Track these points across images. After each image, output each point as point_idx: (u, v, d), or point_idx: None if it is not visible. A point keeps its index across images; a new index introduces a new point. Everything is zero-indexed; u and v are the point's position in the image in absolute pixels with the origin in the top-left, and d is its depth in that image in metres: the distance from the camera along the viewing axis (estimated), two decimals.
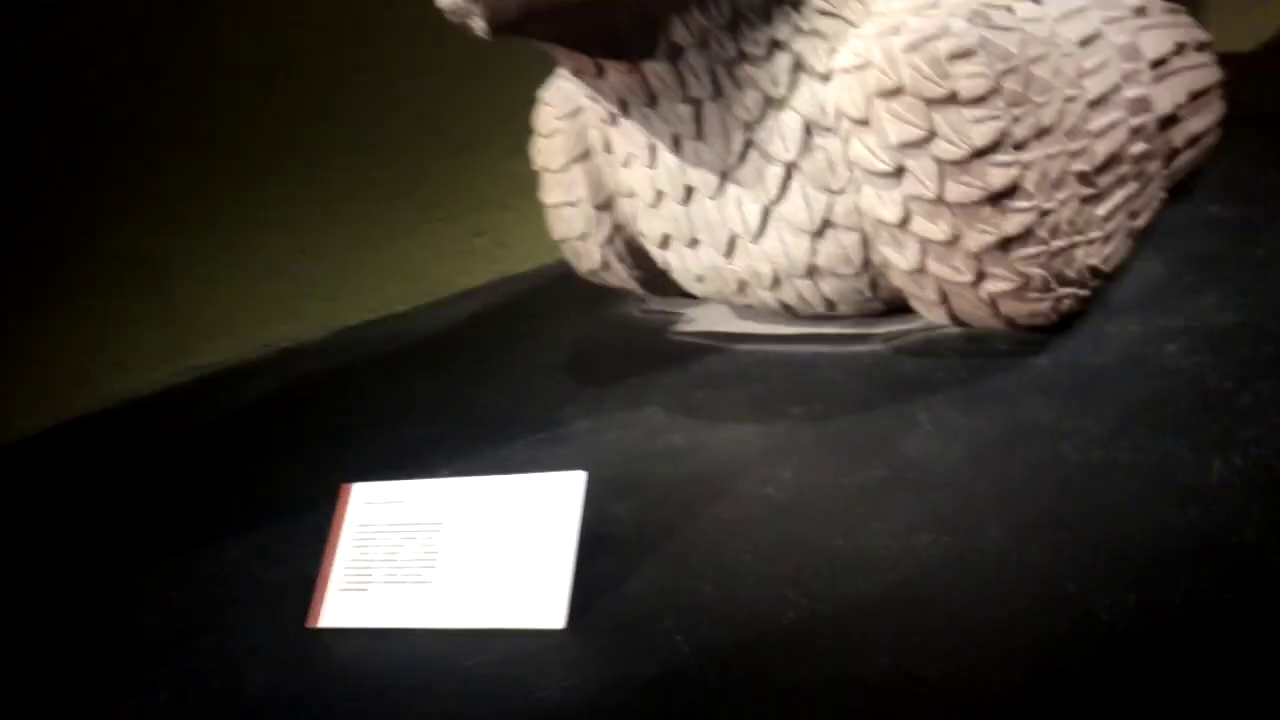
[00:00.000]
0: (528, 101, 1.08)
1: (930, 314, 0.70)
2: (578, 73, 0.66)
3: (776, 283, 0.73)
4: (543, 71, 0.88)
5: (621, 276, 0.88)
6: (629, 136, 0.72)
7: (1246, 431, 0.51)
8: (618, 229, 0.83)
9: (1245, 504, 0.46)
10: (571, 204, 0.84)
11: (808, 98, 0.65)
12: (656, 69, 0.62)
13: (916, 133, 0.60)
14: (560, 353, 0.90)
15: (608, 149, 0.77)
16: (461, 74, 1.20)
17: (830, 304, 0.74)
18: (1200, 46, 0.90)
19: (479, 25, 0.53)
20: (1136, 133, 0.72)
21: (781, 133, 0.66)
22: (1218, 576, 0.42)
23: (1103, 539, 0.46)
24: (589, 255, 0.87)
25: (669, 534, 0.56)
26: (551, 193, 0.86)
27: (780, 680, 0.42)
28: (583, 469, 0.53)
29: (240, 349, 1.09)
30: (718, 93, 0.64)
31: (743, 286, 0.75)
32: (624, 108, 0.67)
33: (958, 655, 0.40)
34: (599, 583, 0.51)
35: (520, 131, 1.21)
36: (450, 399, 0.85)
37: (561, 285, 1.14)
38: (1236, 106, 0.96)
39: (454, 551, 0.53)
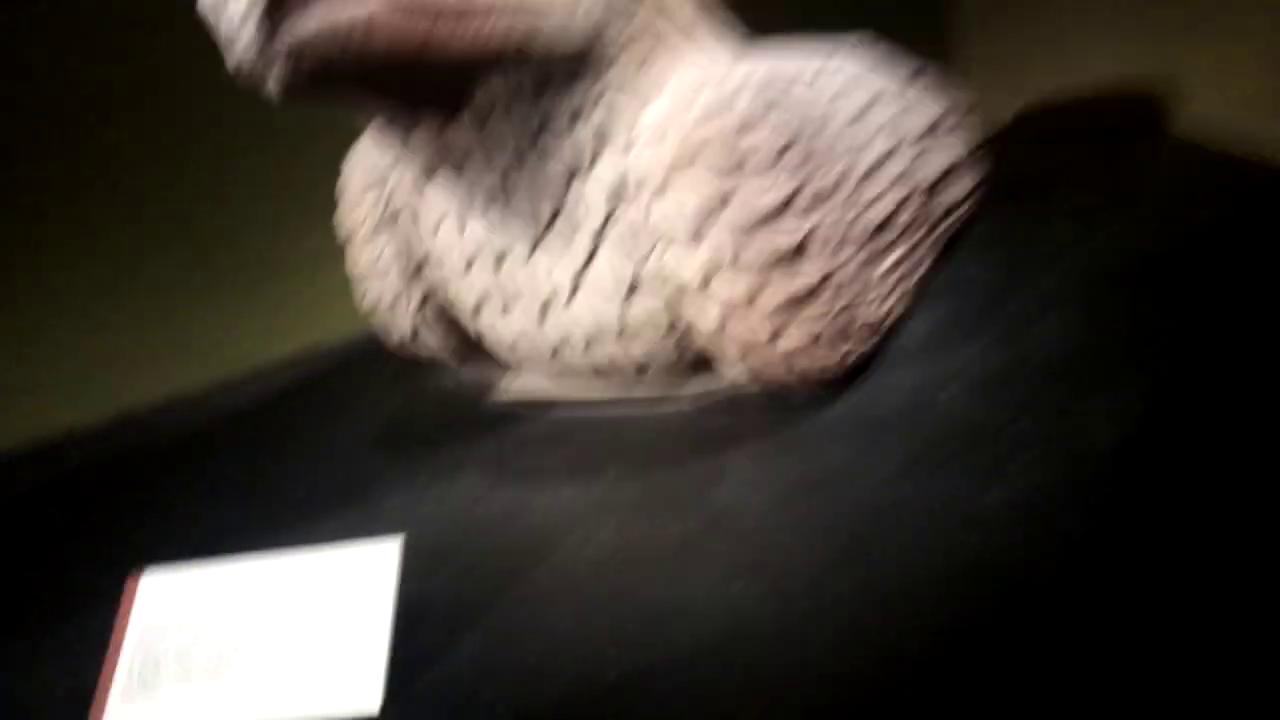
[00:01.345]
0: (331, 169, 1.06)
1: (734, 372, 0.73)
2: (382, 135, 0.65)
3: (588, 347, 0.74)
4: (347, 138, 0.87)
5: (433, 346, 0.86)
6: (437, 202, 0.71)
7: (1012, 463, 0.57)
8: (428, 298, 0.82)
9: (1014, 528, 0.51)
10: (380, 274, 0.82)
11: (610, 167, 0.67)
12: (462, 136, 0.63)
13: (711, 199, 0.64)
14: (370, 426, 0.87)
15: (415, 218, 0.76)
16: (263, 141, 1.16)
17: (640, 366, 0.76)
18: (959, 123, 1.00)
19: (273, 86, 0.52)
20: (906, 199, 0.79)
21: (586, 201, 0.68)
22: (996, 594, 0.46)
23: (896, 570, 0.49)
24: (399, 325, 0.85)
25: (489, 602, 0.55)
26: (359, 263, 0.84)
27: None
28: (397, 541, 0.51)
29: (12, 437, 0.99)
30: (522, 162, 0.65)
31: (555, 352, 0.76)
32: (431, 173, 0.67)
33: (772, 694, 0.42)
34: (417, 659, 0.50)
35: (323, 200, 1.18)
36: (251, 479, 0.80)
37: (370, 357, 1.11)
38: (994, 176, 1.08)
39: (258, 639, 0.49)
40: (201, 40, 1.02)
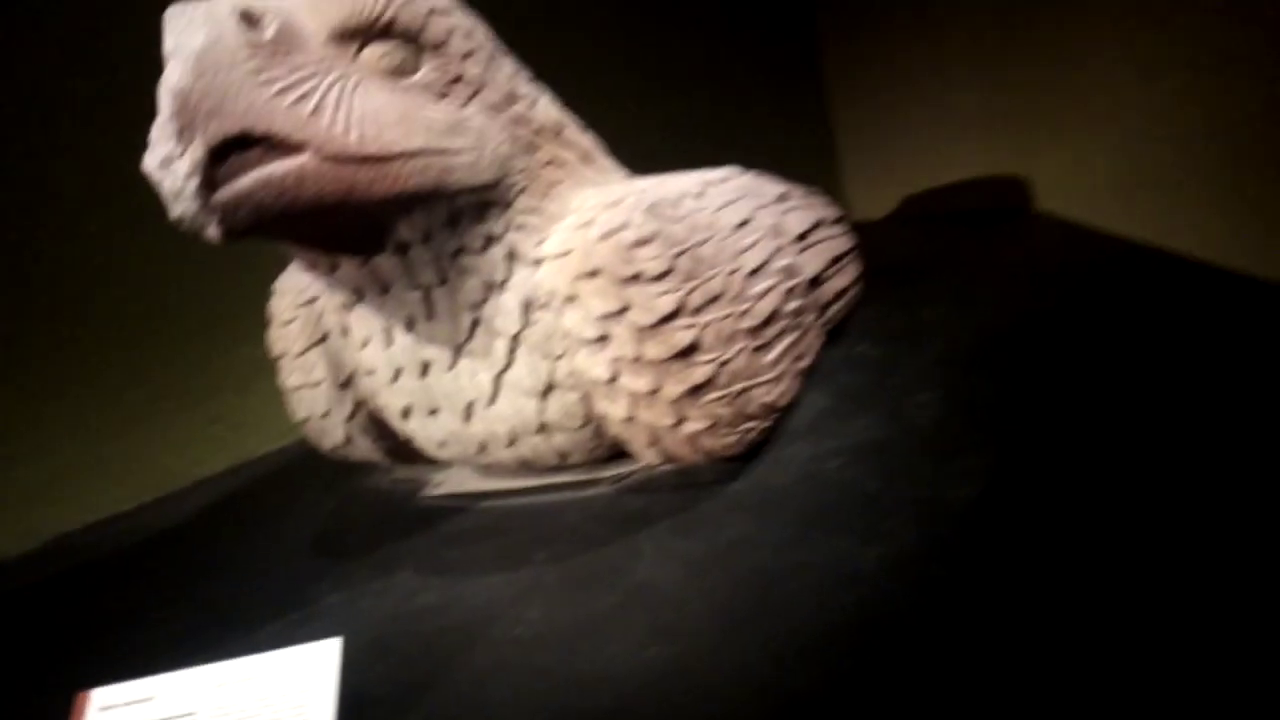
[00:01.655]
0: (260, 287, 1.11)
1: (646, 456, 0.80)
2: (312, 268, 0.71)
3: (512, 441, 0.80)
4: (273, 259, 0.93)
5: (366, 450, 0.91)
6: (365, 320, 0.78)
7: (887, 524, 0.65)
8: (359, 405, 0.87)
9: (890, 580, 0.58)
10: (312, 385, 0.87)
11: (523, 280, 0.75)
12: (387, 263, 0.70)
13: (614, 305, 0.72)
14: (306, 531, 0.91)
15: (345, 332, 0.82)
16: (194, 262, 1.21)
17: (562, 456, 0.82)
18: (835, 221, 1.12)
19: (213, 233, 0.58)
20: (790, 293, 0.88)
21: (504, 311, 0.75)
22: (878, 643, 0.53)
23: (791, 627, 0.56)
24: (332, 433, 0.90)
25: (427, 689, 0.59)
26: (291, 376, 0.89)
27: None
28: (337, 639, 0.56)
29: None
30: (444, 280, 0.72)
31: (482, 448, 0.82)
32: (359, 296, 0.74)
33: None
34: None
35: (253, 316, 1.24)
36: (190, 592, 0.83)
37: (303, 464, 1.15)
38: (872, 264, 1.19)
39: None
40: (135, 165, 1.09)
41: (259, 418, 1.29)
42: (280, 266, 0.92)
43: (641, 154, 1.04)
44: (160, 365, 1.19)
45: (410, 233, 0.68)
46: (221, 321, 1.23)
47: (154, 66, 0.57)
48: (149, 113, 0.57)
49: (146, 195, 1.14)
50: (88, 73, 1.12)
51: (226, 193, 0.56)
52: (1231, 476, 0.60)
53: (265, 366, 1.27)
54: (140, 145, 0.85)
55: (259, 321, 1.23)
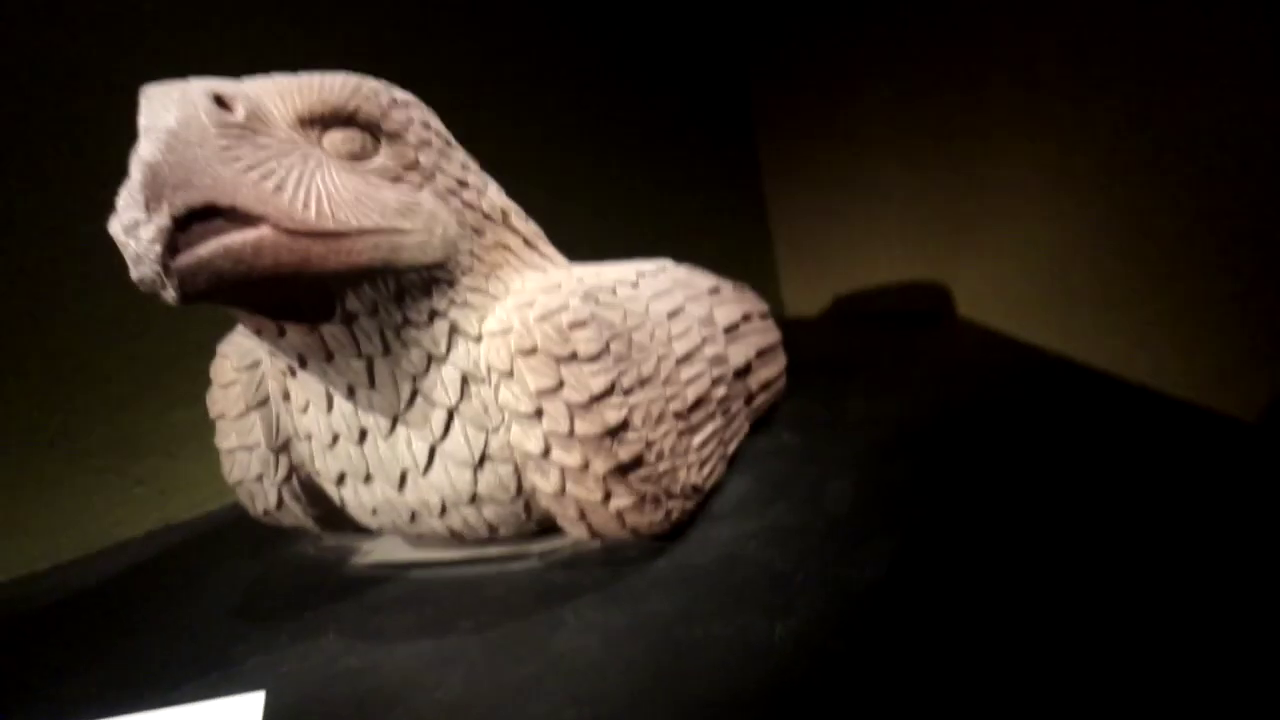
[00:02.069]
0: (193, 352, 1.13)
1: (574, 530, 0.83)
2: (259, 332, 0.74)
3: (444, 511, 0.83)
4: (208, 325, 0.95)
5: (297, 515, 0.92)
6: (307, 386, 0.80)
7: (797, 601, 0.69)
8: (294, 469, 0.88)
9: (796, 653, 0.62)
10: (248, 448, 0.89)
11: (463, 354, 0.78)
12: (333, 331, 0.73)
13: (550, 382, 0.76)
14: (231, 594, 0.91)
15: (286, 397, 0.84)
16: (129, 326, 1.22)
17: (492, 528, 0.85)
18: (763, 315, 1.18)
19: (170, 295, 0.60)
20: (718, 381, 0.93)
21: (443, 383, 0.78)
22: (781, 712, 0.56)
23: (701, 695, 0.59)
24: (265, 496, 0.91)
25: None
26: (228, 438, 0.90)
27: None
28: (260, 693, 0.57)
29: None
30: (387, 351, 0.76)
31: (414, 516, 0.84)
32: (303, 362, 0.76)
33: None
34: None
35: (185, 381, 1.25)
36: (106, 653, 0.82)
37: (231, 529, 1.14)
38: (801, 358, 1.26)
39: None
40: (75, 222, 1.10)
41: (186, 481, 1.28)
42: (217, 331, 0.94)
43: (587, 244, 1.10)
44: (89, 426, 1.19)
45: (358, 304, 0.72)
46: (153, 386, 1.24)
47: (110, 136, 0.60)
48: (97, 179, 0.60)
49: (83, 259, 1.16)
50: (42, 137, 1.14)
51: (187, 258, 0.59)
52: (1119, 570, 0.66)
53: (195, 431, 1.28)
54: (82, 210, 0.87)
55: (191, 386, 1.24)
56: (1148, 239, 1.31)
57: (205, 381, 0.93)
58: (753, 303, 1.16)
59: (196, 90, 0.61)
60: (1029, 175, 1.52)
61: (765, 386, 1.11)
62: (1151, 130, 1.26)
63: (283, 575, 0.94)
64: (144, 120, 0.59)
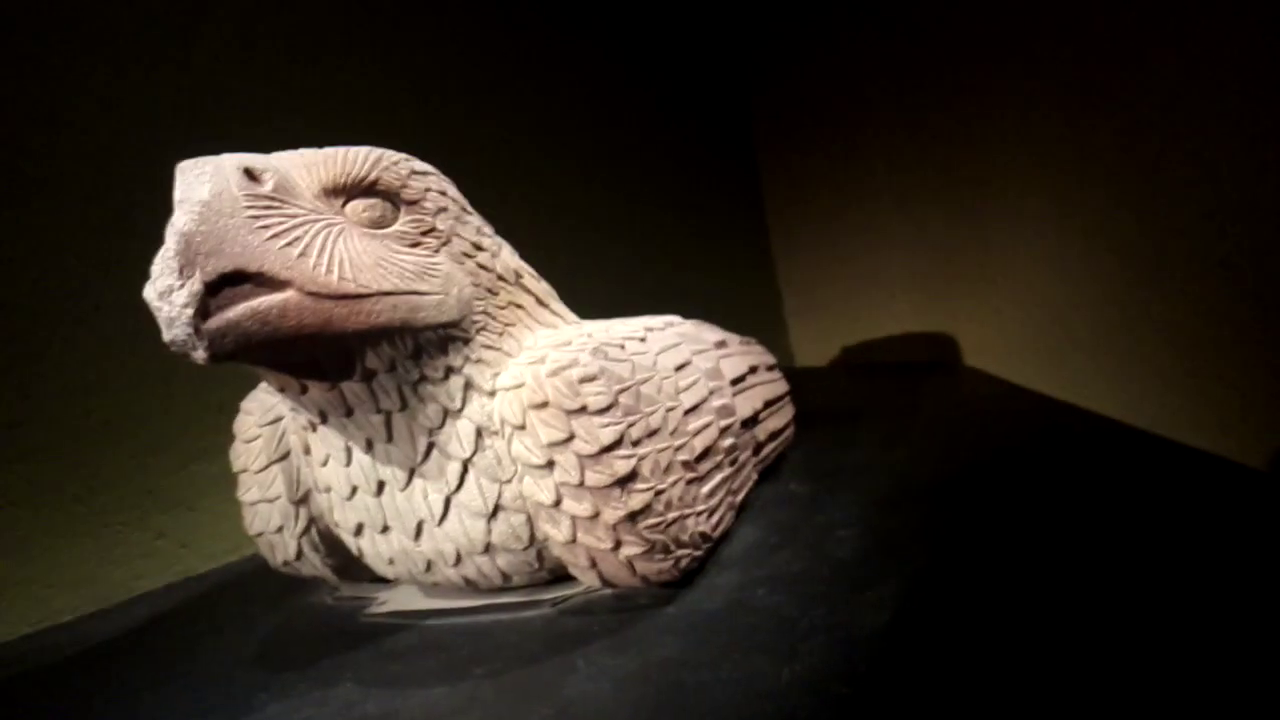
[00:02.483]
0: (211, 409, 1.17)
1: (586, 578, 0.85)
2: (282, 390, 0.77)
3: (459, 560, 0.85)
4: (230, 383, 0.98)
5: (316, 565, 0.94)
6: (327, 440, 0.83)
7: (803, 646, 0.70)
8: (313, 521, 0.91)
9: (801, 696, 0.63)
10: (269, 500, 0.92)
11: (478, 409, 0.81)
12: (353, 388, 0.76)
13: (560, 435, 0.79)
14: (250, 644, 0.93)
15: (306, 451, 0.87)
16: (151, 383, 1.26)
17: (506, 576, 0.87)
18: (770, 367, 1.21)
19: (201, 355, 0.64)
20: (725, 431, 0.96)
21: (458, 436, 0.81)
22: None
23: None
24: (285, 547, 0.93)
25: None
26: (250, 491, 0.93)
27: None
28: None
29: None
30: (404, 406, 0.79)
31: (430, 566, 0.86)
32: (324, 417, 0.80)
33: None
34: None
35: (206, 436, 1.28)
36: (131, 702, 0.83)
37: (250, 581, 1.17)
38: (809, 408, 1.28)
39: None
40: (92, 281, 1.14)
41: (207, 534, 1.31)
42: (235, 390, 0.97)
43: (600, 303, 1.14)
44: (113, 482, 1.22)
45: (377, 362, 0.75)
46: (174, 442, 1.28)
47: (140, 205, 0.65)
48: (126, 245, 0.64)
49: (109, 320, 1.20)
50: (76, 205, 1.20)
51: (217, 321, 0.63)
52: (1124, 617, 0.68)
53: (215, 485, 1.31)
54: (111, 275, 0.91)
55: (212, 441, 1.28)
56: (1150, 287, 1.33)
57: (224, 437, 0.96)
58: (760, 356, 1.19)
59: (228, 164, 0.65)
60: (1031, 227, 1.55)
61: (773, 437, 1.13)
62: (1151, 182, 1.29)
63: (302, 624, 0.96)
64: (179, 193, 0.63)
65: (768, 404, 1.13)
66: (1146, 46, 1.25)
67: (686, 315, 1.13)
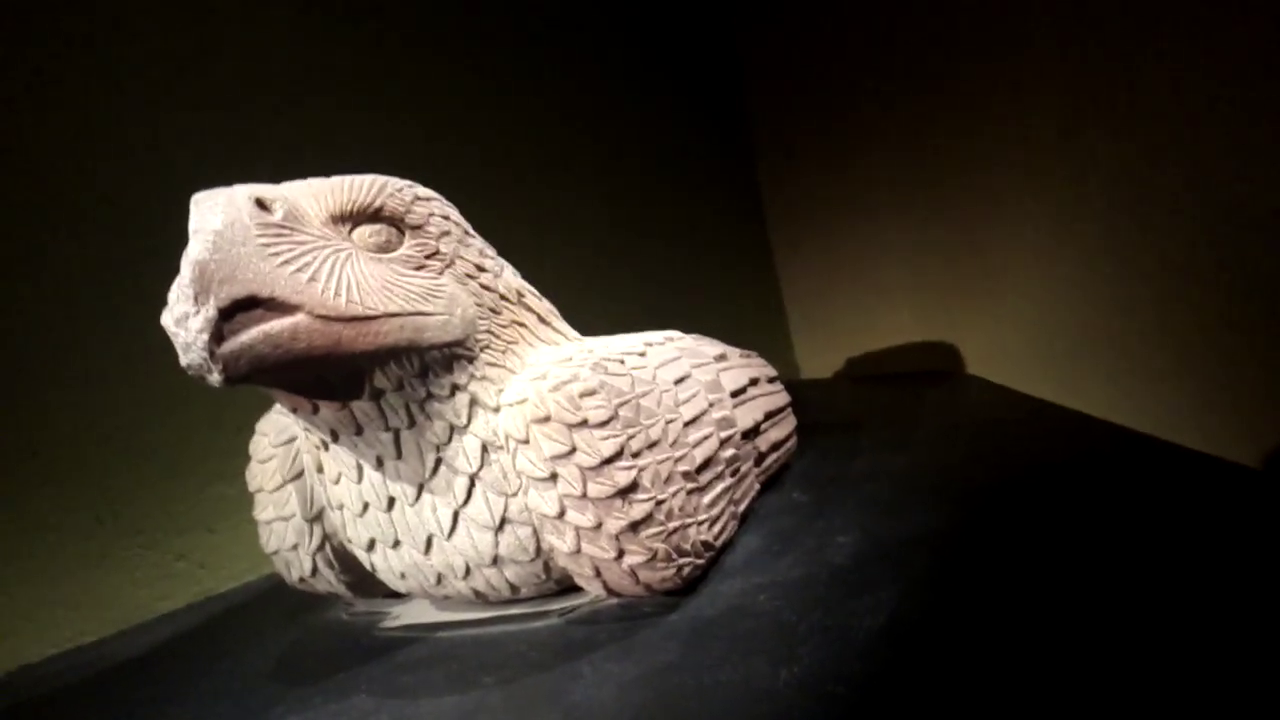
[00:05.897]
0: (229, 433, 1.20)
1: (591, 588, 0.87)
2: (295, 410, 0.80)
3: (468, 573, 0.88)
4: (244, 406, 1.01)
5: (330, 581, 0.97)
6: (339, 458, 0.86)
7: (803, 649, 0.72)
8: (327, 538, 0.94)
9: (798, 697, 0.65)
10: (284, 519, 0.95)
11: (483, 425, 0.84)
12: (362, 407, 0.79)
13: (563, 448, 0.81)
14: (267, 660, 0.95)
15: (319, 470, 0.90)
16: (167, 405, 1.29)
17: (514, 588, 0.89)
18: (771, 380, 1.23)
19: (216, 379, 0.67)
20: (725, 442, 0.98)
21: (465, 452, 0.84)
22: None
23: None
24: (300, 564, 0.96)
25: None
26: (265, 510, 0.96)
27: None
28: None
29: None
30: (412, 423, 0.81)
31: (440, 579, 0.89)
32: (335, 436, 0.82)
33: None
34: None
35: (223, 458, 1.32)
36: (154, 717, 0.87)
37: (266, 599, 1.20)
38: (813, 418, 1.30)
39: None
40: (113, 305, 1.18)
41: (225, 555, 1.34)
42: (251, 413, 1.01)
43: (603, 320, 1.17)
44: (134, 505, 1.26)
45: (385, 381, 0.78)
46: (193, 465, 1.31)
47: (156, 235, 0.68)
48: (140, 274, 0.67)
49: (126, 345, 1.24)
50: (95, 235, 1.24)
51: (231, 345, 0.66)
52: (1125, 621, 0.69)
53: (233, 506, 1.34)
54: (131, 303, 0.93)
55: (229, 463, 1.31)
56: (1150, 293, 1.35)
57: (240, 460, 0.99)
58: (760, 369, 1.22)
59: (240, 195, 0.68)
60: (1030, 235, 1.57)
61: (775, 447, 1.15)
62: (1149, 188, 1.31)
63: (317, 639, 0.99)
64: (193, 224, 0.66)
65: (769, 415, 1.15)
66: (1143, 55, 1.27)
67: (691, 332, 1.16)
